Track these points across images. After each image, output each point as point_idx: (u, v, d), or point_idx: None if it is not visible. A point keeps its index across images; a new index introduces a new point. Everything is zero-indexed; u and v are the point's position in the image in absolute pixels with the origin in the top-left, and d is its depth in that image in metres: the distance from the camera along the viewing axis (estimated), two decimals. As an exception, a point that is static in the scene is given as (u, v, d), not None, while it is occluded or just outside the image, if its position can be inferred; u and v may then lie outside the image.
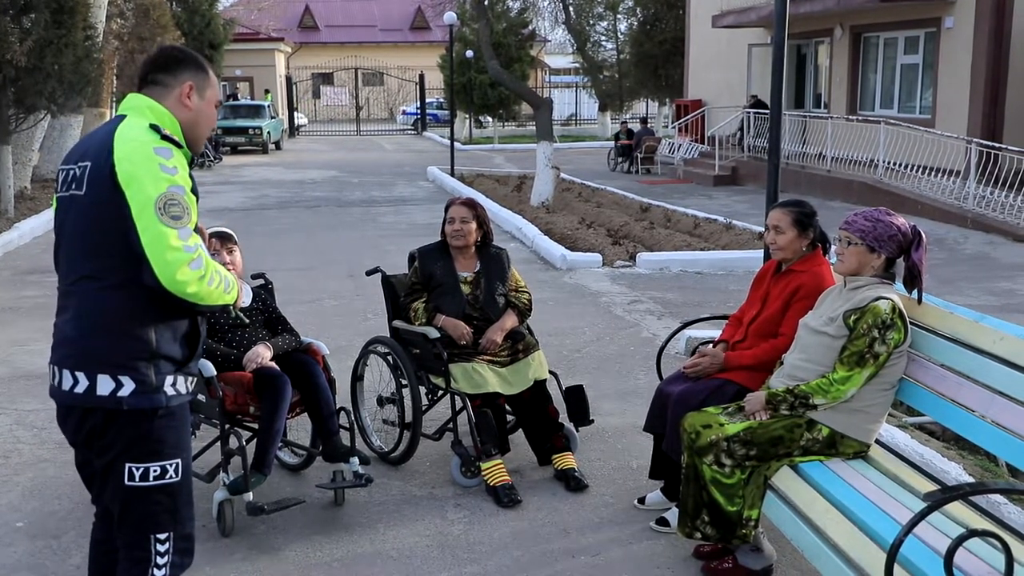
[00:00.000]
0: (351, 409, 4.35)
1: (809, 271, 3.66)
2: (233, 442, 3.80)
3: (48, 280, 8.97)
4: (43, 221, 12.35)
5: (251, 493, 3.74)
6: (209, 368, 3.80)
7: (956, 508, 2.84)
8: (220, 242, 4.03)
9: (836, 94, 19.01)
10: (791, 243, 3.68)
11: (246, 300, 4.13)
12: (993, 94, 15.23)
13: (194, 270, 2.31)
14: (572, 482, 4.21)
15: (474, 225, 4.48)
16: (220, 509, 3.78)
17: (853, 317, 3.18)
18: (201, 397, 3.86)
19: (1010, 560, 2.43)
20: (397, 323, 4.56)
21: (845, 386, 3.18)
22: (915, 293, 3.31)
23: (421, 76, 39.26)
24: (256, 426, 3.92)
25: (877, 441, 3.38)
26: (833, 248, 3.49)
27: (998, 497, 3.58)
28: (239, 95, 37.88)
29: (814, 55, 20.47)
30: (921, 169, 13.97)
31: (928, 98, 16.81)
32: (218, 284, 2.40)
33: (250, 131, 27.95)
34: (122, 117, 2.45)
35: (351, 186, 18.74)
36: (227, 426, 3.82)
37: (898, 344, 3.18)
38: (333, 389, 4.06)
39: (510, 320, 4.44)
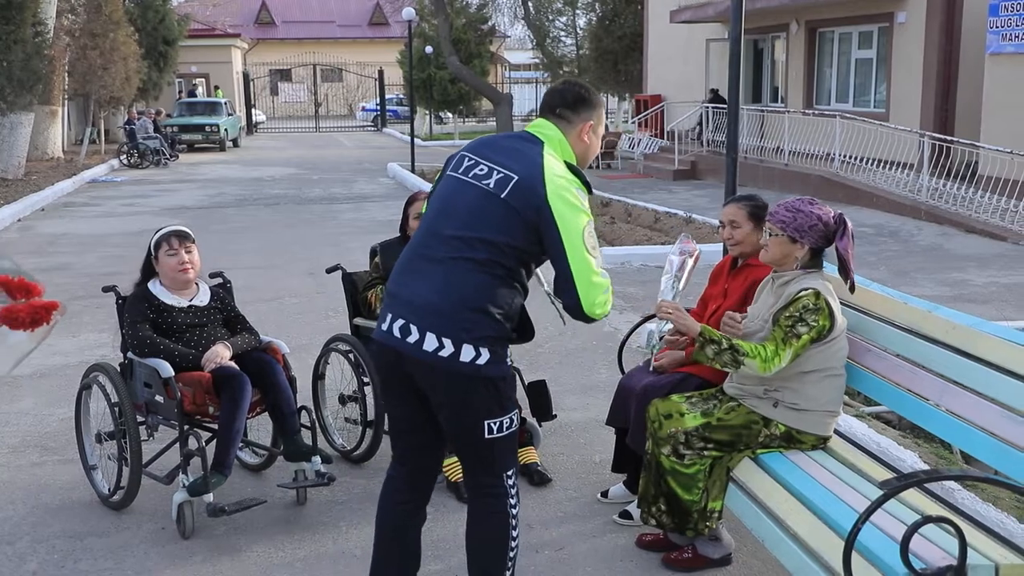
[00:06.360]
0: (312, 408, 4.31)
1: (766, 265, 3.70)
2: (192, 443, 3.76)
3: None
4: (-6, 221, 12.11)
5: (211, 494, 3.69)
6: (167, 368, 3.75)
7: (912, 495, 2.89)
8: (178, 241, 3.98)
9: (792, 89, 19.23)
10: (747, 237, 3.71)
11: (203, 299, 4.10)
12: (945, 88, 15.52)
13: (607, 295, 2.75)
14: (535, 477, 4.22)
15: (435, 221, 4.46)
16: (180, 511, 3.73)
17: (779, 313, 3.20)
18: (159, 398, 3.82)
19: (963, 545, 2.48)
20: (358, 320, 4.54)
21: (769, 363, 3.11)
22: (849, 281, 3.31)
23: (380, 72, 39.03)
24: (216, 426, 3.87)
25: (836, 431, 3.43)
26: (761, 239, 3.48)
27: (952, 484, 3.65)
28: (197, 92, 37.35)
29: (771, 50, 20.69)
30: (876, 162, 14.19)
31: (882, 92, 17.08)
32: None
33: (207, 128, 27.58)
34: (540, 142, 2.80)
35: (311, 183, 18.59)
36: (186, 427, 3.78)
37: (823, 330, 3.17)
38: (294, 388, 4.02)
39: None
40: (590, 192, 2.79)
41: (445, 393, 2.73)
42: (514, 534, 2.86)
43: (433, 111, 34.89)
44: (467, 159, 2.82)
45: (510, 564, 2.87)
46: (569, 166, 2.78)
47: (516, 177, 2.70)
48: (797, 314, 3.15)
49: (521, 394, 4.48)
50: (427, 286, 2.70)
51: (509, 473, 2.85)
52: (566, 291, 2.72)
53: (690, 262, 3.44)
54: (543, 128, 2.85)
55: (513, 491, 2.86)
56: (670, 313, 3.27)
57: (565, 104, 2.87)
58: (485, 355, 2.68)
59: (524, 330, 2.86)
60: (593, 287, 2.70)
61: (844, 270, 3.27)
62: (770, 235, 3.32)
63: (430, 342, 2.66)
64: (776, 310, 3.22)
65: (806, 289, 3.19)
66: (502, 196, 2.69)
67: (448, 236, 2.72)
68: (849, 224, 3.25)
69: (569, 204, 2.68)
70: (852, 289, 3.32)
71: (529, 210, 2.66)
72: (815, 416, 3.29)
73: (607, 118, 24.55)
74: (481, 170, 2.76)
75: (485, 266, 2.68)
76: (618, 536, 3.74)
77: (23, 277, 2.83)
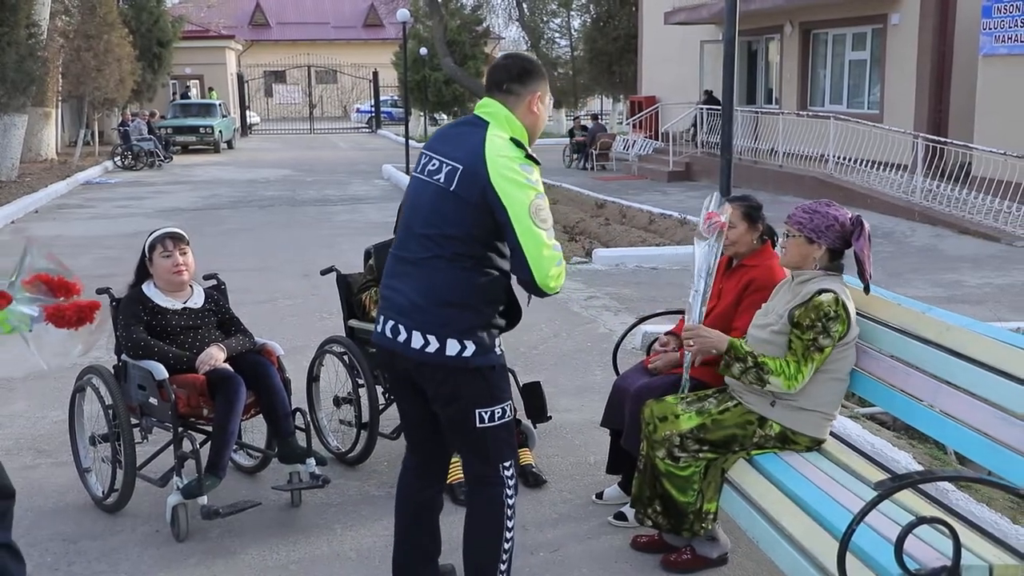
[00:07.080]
0: (307, 410, 4.31)
1: (760, 265, 3.71)
2: (187, 445, 3.75)
3: None
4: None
5: (205, 496, 3.68)
6: (161, 371, 3.74)
7: (906, 496, 2.90)
8: (172, 243, 3.98)
9: (787, 90, 19.27)
10: (742, 237, 3.72)
11: (198, 301, 4.09)
12: (938, 89, 15.55)
13: (560, 267, 2.75)
14: (530, 478, 4.22)
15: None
16: (174, 513, 3.72)
17: (798, 312, 3.22)
18: (153, 400, 3.81)
19: (958, 546, 2.49)
20: (353, 322, 4.53)
21: (793, 380, 3.18)
22: (864, 283, 3.35)
23: (375, 74, 39.01)
24: (210, 428, 3.86)
25: (830, 432, 3.43)
26: (779, 241, 3.54)
27: (946, 485, 3.65)
28: (190, 93, 37.30)
29: (765, 51, 20.72)
30: (870, 164, 14.22)
31: (876, 93, 17.11)
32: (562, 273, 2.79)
33: (201, 130, 27.56)
34: (485, 123, 2.80)
35: (305, 185, 18.57)
36: (180, 429, 3.77)
37: (841, 336, 3.21)
38: (288, 390, 4.01)
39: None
40: (537, 164, 2.79)
41: (436, 386, 2.83)
42: (509, 524, 2.91)
43: (428, 112, 34.90)
44: (424, 156, 2.90)
45: (505, 559, 2.91)
46: (515, 141, 2.79)
47: (461, 167, 2.76)
48: (819, 324, 3.16)
49: (516, 396, 4.49)
50: (409, 287, 2.82)
51: (506, 464, 2.91)
52: (519, 266, 2.74)
53: (716, 244, 3.46)
54: (488, 107, 2.87)
55: (511, 482, 2.91)
56: (692, 345, 3.36)
57: (511, 78, 2.88)
58: (471, 347, 2.77)
59: (511, 313, 2.90)
60: (544, 260, 2.72)
61: (860, 271, 3.29)
62: (787, 236, 3.34)
63: (417, 340, 2.78)
64: (793, 306, 3.23)
65: (826, 291, 3.19)
66: (451, 189, 2.76)
67: (419, 235, 2.82)
68: (866, 225, 3.28)
69: (512, 181, 2.71)
70: (867, 290, 3.32)
71: (476, 195, 2.72)
72: (811, 417, 3.29)
73: (602, 119, 24.57)
74: (434, 165, 2.84)
75: (453, 261, 2.75)
76: (613, 537, 3.74)
77: (63, 276, 2.83)
